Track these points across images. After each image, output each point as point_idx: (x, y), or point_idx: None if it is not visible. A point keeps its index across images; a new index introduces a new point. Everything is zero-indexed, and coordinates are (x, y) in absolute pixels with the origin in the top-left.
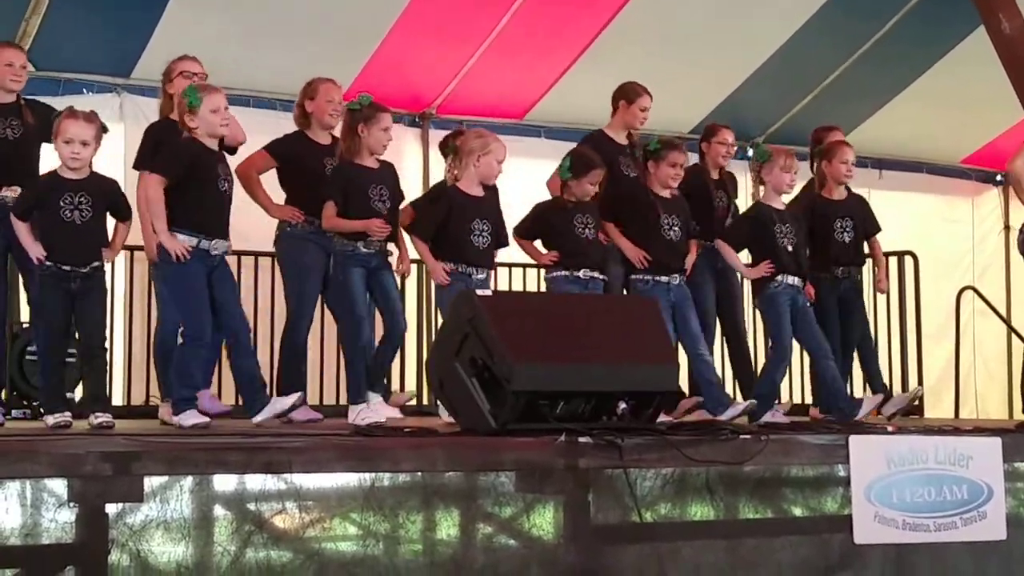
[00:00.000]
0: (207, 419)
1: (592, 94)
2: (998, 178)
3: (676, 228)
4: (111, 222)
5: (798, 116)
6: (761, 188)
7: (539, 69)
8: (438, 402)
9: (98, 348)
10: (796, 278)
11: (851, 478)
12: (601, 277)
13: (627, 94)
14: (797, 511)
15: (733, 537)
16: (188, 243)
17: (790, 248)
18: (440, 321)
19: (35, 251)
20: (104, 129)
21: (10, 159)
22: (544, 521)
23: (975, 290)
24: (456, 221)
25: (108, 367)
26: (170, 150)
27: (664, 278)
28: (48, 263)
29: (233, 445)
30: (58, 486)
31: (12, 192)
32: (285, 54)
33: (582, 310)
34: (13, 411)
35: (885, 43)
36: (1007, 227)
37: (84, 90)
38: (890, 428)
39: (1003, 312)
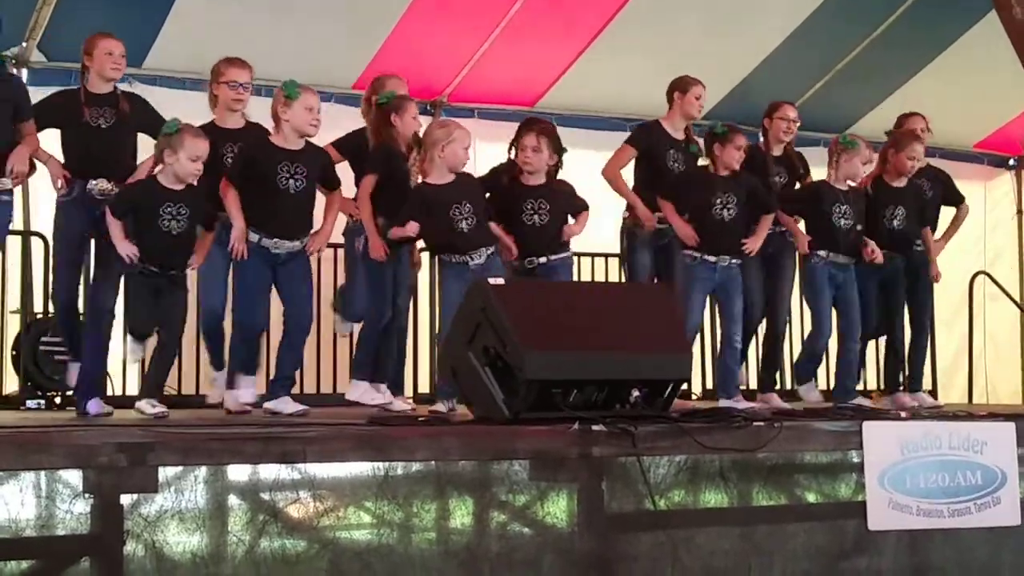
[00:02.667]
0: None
1: (604, 80)
2: (1011, 162)
3: (730, 208)
4: None
5: (811, 100)
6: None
7: (551, 56)
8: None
9: (174, 342)
10: (843, 257)
11: (865, 464)
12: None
13: (680, 85)
14: (811, 498)
15: (747, 524)
16: (251, 238)
17: (844, 228)
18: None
19: (127, 250)
20: None
21: (101, 148)
22: (558, 509)
23: (988, 275)
24: (435, 216)
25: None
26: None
27: (712, 258)
28: (138, 264)
29: (247, 435)
30: (73, 477)
31: (99, 184)
32: (296, 43)
33: (595, 298)
34: (28, 402)
35: (897, 28)
36: (1020, 211)
37: None
38: (903, 414)
39: (1016, 296)
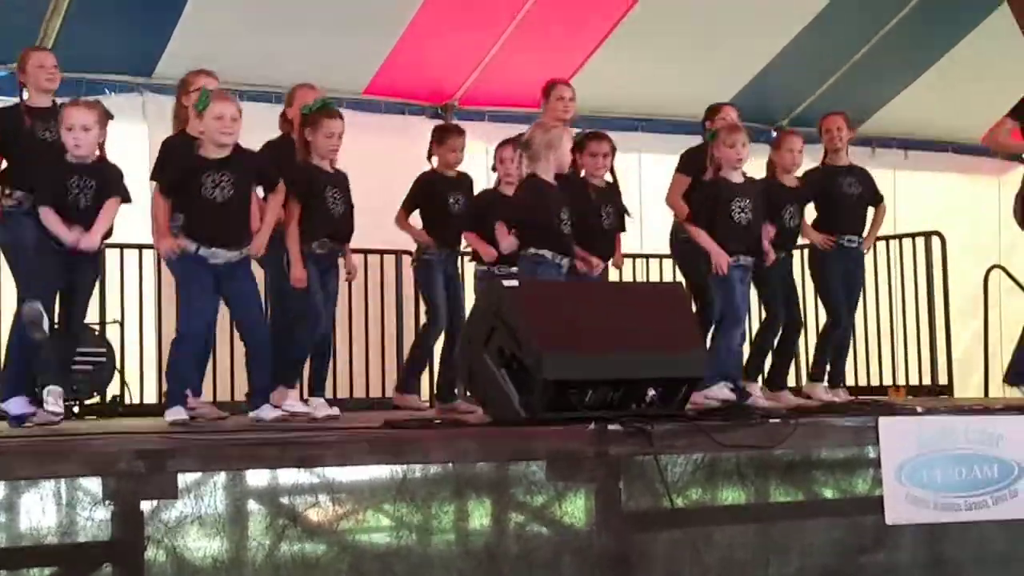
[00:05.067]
0: (186, 416)
1: (615, 81)
2: None
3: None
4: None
5: (823, 97)
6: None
7: (561, 58)
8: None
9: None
10: (747, 257)
11: (881, 459)
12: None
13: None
14: (828, 493)
15: (765, 521)
16: (187, 248)
17: (744, 223)
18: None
19: (69, 236)
20: (108, 115)
21: (49, 163)
22: (576, 509)
23: (1003, 269)
24: (547, 211)
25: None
26: (168, 163)
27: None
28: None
29: (265, 440)
30: (93, 484)
31: None
32: (306, 49)
33: (608, 297)
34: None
35: (908, 23)
36: None
37: (106, 91)
38: (919, 409)
39: None
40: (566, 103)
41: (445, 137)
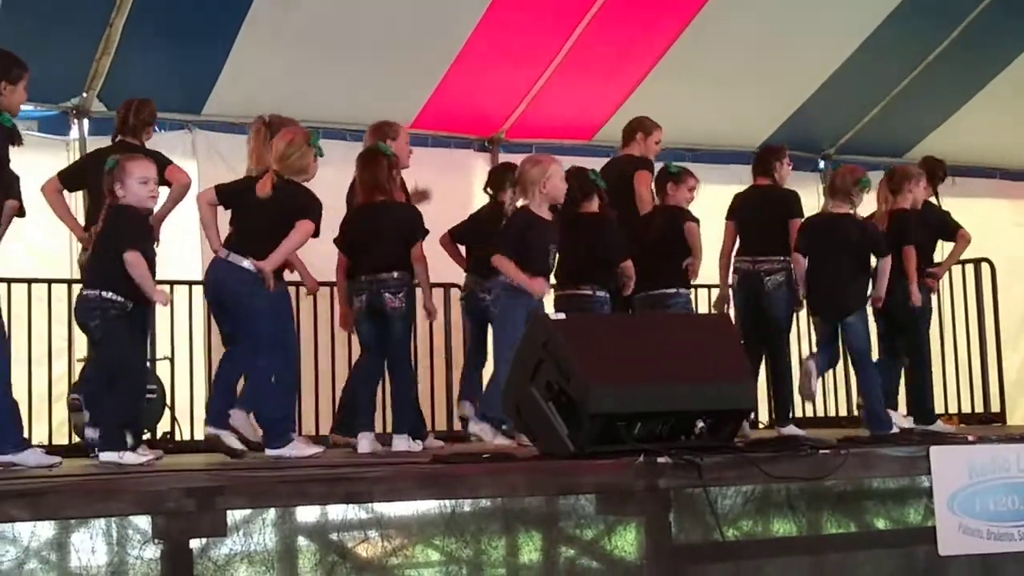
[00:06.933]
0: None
1: (660, 111)
2: None
3: None
4: None
5: (867, 128)
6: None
7: (606, 90)
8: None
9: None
10: None
11: (933, 489)
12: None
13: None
14: (880, 524)
15: (817, 552)
16: None
17: None
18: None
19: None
20: None
21: None
22: (626, 542)
23: None
24: (535, 246)
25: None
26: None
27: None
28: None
29: (314, 477)
30: (142, 523)
31: None
32: (354, 84)
33: (656, 330)
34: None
35: (953, 51)
36: None
37: (156, 128)
38: (971, 438)
39: None
40: (660, 145)
41: None
